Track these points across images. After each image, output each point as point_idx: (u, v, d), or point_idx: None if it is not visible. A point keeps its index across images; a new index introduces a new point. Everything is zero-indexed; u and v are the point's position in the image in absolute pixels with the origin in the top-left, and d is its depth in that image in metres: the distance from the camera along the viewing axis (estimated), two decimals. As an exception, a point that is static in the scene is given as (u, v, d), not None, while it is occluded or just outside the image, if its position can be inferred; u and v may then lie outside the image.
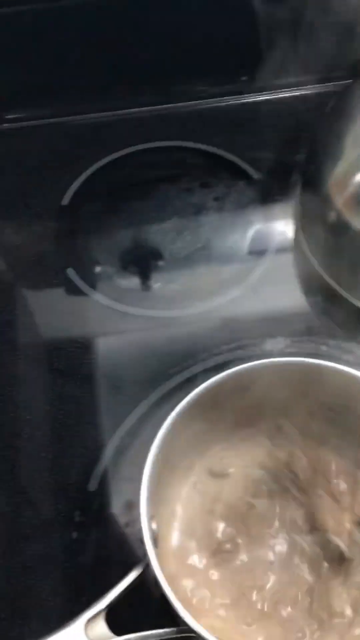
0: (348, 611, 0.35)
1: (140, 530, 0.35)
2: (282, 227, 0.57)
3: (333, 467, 0.40)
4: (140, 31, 0.62)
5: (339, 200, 0.50)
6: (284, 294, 0.54)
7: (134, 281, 0.54)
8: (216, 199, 0.58)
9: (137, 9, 0.60)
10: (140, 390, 0.48)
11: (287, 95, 0.65)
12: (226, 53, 0.63)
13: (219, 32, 0.62)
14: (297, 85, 0.65)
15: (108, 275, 0.55)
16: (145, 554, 0.34)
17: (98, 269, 0.55)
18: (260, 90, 0.65)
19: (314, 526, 0.38)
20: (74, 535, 0.42)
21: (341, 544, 0.37)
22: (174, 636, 0.33)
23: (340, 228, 0.50)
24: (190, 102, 0.65)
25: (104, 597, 0.34)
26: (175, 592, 0.34)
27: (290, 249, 0.55)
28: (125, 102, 0.65)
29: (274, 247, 0.56)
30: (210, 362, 0.49)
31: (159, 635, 0.33)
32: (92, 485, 0.44)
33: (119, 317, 0.52)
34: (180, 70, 0.64)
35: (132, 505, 0.42)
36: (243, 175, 0.59)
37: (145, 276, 0.55)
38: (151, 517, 0.36)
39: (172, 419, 0.38)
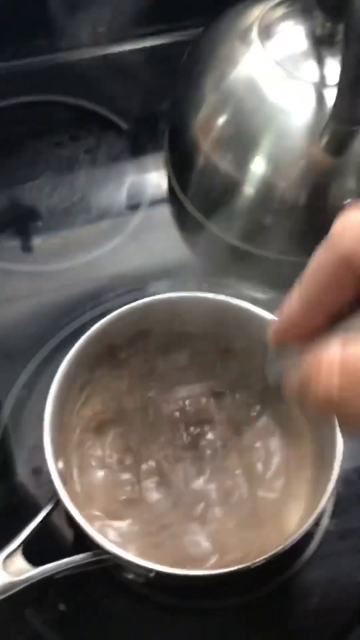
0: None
1: (46, 474, 0.37)
2: (155, 174, 0.58)
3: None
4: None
5: (205, 144, 0.52)
6: (163, 239, 0.56)
7: (13, 239, 0.54)
8: (87, 151, 0.59)
9: None
10: (33, 344, 0.48)
11: (146, 45, 0.66)
12: (79, 4, 0.63)
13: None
14: (154, 34, 0.66)
15: (-14, 236, 0.54)
16: (54, 492, 0.36)
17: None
18: (120, 40, 0.66)
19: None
20: (-18, 489, 0.43)
21: None
22: (90, 560, 0.36)
23: (209, 171, 0.52)
24: (49, 56, 0.64)
25: (19, 534, 0.35)
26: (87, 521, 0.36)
27: (165, 194, 0.57)
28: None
29: (150, 194, 0.57)
30: (99, 310, 0.50)
31: (75, 561, 0.35)
32: (-5, 440, 0.45)
33: (2, 276, 0.52)
34: (36, 23, 0.63)
35: (36, 453, 0.44)
36: (112, 126, 0.60)
37: (24, 233, 0.55)
38: (57, 458, 0.37)
39: (67, 361, 0.39)
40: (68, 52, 0.65)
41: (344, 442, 0.37)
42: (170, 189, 0.57)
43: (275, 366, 0.29)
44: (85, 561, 0.35)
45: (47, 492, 0.42)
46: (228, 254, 0.54)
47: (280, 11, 0.52)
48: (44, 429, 0.37)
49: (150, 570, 0.34)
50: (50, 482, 0.36)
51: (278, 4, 0.52)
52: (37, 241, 0.54)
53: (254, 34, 0.50)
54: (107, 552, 0.35)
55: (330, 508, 0.43)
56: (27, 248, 0.54)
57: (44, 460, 0.37)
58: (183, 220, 0.56)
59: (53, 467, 0.36)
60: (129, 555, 0.34)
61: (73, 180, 0.57)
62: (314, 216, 0.50)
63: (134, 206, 0.57)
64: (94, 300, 0.51)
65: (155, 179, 0.58)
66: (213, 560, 0.38)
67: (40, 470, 0.43)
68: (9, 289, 0.52)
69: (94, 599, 0.41)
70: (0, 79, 0.62)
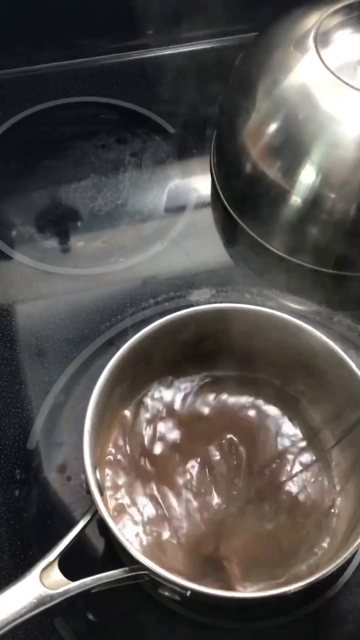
0: None
1: (80, 483, 0.36)
2: (200, 180, 0.58)
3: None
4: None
5: (254, 151, 0.51)
6: (206, 246, 0.55)
7: (55, 241, 0.54)
8: (133, 154, 0.58)
9: None
10: (72, 348, 0.48)
11: (194, 48, 0.65)
12: (131, 6, 0.62)
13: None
14: (204, 38, 0.65)
15: (29, 237, 0.54)
16: (91, 503, 0.35)
17: (18, 230, 0.54)
18: (168, 43, 0.65)
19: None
20: (16, 493, 0.43)
21: None
22: (127, 575, 0.35)
23: (256, 179, 0.51)
24: (98, 57, 0.64)
25: (56, 546, 0.34)
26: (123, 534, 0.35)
27: (208, 201, 0.57)
28: (31, 59, 0.63)
29: (193, 200, 0.57)
30: (139, 317, 0.50)
31: (114, 576, 0.34)
32: (31, 444, 0.44)
33: (43, 277, 0.52)
34: (86, 24, 0.63)
35: (71, 460, 0.43)
36: (158, 130, 0.60)
37: (67, 235, 0.54)
38: (94, 467, 0.37)
39: (108, 370, 0.38)
40: (117, 54, 0.64)
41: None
42: (215, 195, 0.56)
43: None
44: (123, 576, 0.35)
45: (80, 499, 0.41)
46: (272, 265, 0.53)
47: (338, 18, 0.51)
48: (84, 441, 0.36)
49: (187, 588, 0.34)
50: (84, 489, 0.35)
51: (336, 11, 0.51)
52: (78, 244, 0.54)
53: (310, 40, 0.49)
54: (145, 568, 0.34)
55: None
56: (67, 250, 0.54)
57: (78, 468, 0.36)
58: (227, 227, 0.55)
59: (92, 479, 0.35)
60: (167, 573, 0.33)
61: (117, 184, 0.57)
62: (363, 230, 0.49)
63: (177, 211, 0.56)
64: (134, 307, 0.50)
65: (200, 184, 0.57)
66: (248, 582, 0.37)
67: (74, 477, 0.43)
68: (49, 292, 0.51)
69: (123, 611, 0.40)
70: (50, 80, 0.62)
